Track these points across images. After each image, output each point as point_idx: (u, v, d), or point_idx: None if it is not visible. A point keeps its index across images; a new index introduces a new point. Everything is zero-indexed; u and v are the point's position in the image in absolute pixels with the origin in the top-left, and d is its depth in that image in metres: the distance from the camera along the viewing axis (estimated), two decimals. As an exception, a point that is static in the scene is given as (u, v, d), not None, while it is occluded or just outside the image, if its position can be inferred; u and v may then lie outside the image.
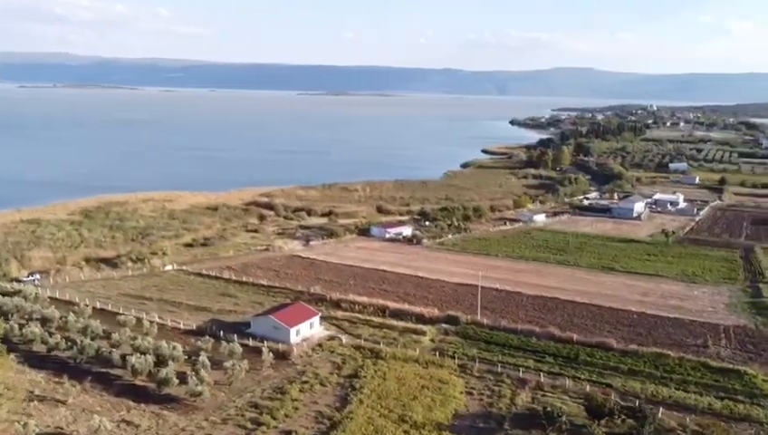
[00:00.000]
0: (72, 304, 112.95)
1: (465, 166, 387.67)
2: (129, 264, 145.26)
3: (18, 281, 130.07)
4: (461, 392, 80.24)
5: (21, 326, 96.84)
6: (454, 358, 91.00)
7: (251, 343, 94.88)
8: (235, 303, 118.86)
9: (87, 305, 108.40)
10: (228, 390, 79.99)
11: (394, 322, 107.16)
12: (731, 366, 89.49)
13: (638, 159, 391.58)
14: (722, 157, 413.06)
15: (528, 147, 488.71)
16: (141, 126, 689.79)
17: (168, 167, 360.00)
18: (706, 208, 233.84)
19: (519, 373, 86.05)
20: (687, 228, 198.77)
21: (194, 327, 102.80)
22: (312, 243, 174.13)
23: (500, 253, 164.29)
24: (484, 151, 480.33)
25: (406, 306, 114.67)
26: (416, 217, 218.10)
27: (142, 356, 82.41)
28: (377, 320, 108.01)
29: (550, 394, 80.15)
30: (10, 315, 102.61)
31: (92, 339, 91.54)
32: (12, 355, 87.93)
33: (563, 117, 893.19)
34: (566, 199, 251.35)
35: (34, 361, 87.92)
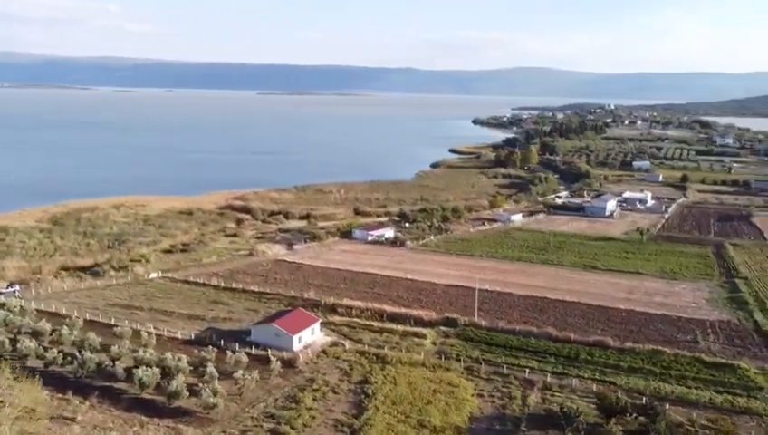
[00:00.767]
0: (60, 316, 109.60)
1: (435, 166, 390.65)
2: (113, 272, 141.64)
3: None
4: (472, 395, 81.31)
5: (12, 341, 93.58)
6: (459, 361, 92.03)
7: (254, 351, 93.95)
8: (228, 310, 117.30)
9: (78, 317, 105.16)
10: (240, 400, 79.09)
11: (393, 326, 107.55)
12: (724, 361, 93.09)
13: (602, 157, 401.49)
14: (680, 155, 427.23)
15: (494, 146, 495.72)
16: (97, 128, 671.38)
17: (131, 170, 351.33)
18: (674, 206, 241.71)
19: (525, 374, 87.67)
20: (659, 226, 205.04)
21: (192, 337, 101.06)
22: (295, 247, 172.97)
23: (484, 253, 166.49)
24: (452, 151, 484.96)
25: (403, 310, 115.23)
26: (395, 218, 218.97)
27: (149, 369, 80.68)
28: (376, 324, 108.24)
29: (558, 394, 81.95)
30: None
31: (90, 352, 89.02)
32: (7, 370, 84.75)
33: (525, 116, 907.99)
34: (539, 199, 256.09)
35: (32, 376, 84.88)
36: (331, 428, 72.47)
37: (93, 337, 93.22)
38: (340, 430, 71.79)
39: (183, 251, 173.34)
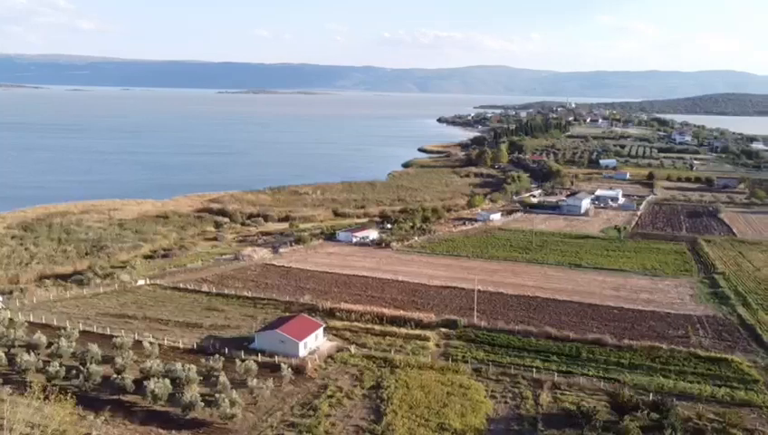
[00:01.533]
0: (52, 328, 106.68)
1: (406, 166, 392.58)
2: (98, 280, 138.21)
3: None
4: (485, 397, 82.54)
5: (6, 354, 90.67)
6: (467, 362, 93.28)
7: (260, 358, 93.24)
8: (225, 317, 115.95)
9: (73, 329, 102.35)
10: (255, 409, 78.48)
11: (395, 329, 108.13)
12: (718, 355, 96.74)
13: (569, 155, 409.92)
14: (643, 152, 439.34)
15: (463, 145, 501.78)
16: (53, 129, 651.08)
17: (94, 173, 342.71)
18: (644, 203, 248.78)
19: (532, 374, 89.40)
20: (633, 223, 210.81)
21: (194, 346, 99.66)
22: (280, 250, 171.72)
23: (470, 254, 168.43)
24: (421, 150, 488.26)
25: (401, 312, 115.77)
26: (376, 219, 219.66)
27: (160, 380, 79.32)
28: (377, 328, 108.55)
29: (568, 393, 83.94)
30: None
31: (94, 365, 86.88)
32: (7, 387, 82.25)
33: (489, 115, 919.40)
34: (515, 198, 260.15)
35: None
36: (352, 434, 72.67)
37: (95, 349, 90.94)
38: (363, 436, 72.07)
39: (164, 256, 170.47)
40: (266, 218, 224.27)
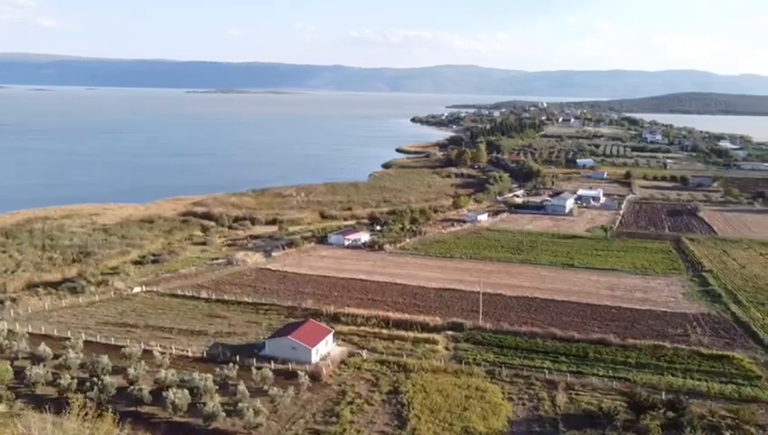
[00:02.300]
0: (52, 338, 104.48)
1: (386, 166, 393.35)
2: (92, 288, 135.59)
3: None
4: (502, 399, 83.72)
5: (13, 367, 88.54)
6: (479, 365, 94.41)
7: (272, 365, 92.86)
8: (228, 324, 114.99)
9: (77, 339, 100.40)
10: (277, 418, 78.22)
11: (402, 332, 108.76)
12: (720, 353, 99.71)
13: (546, 155, 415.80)
14: (617, 152, 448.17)
15: (440, 145, 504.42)
16: (18, 131, 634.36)
17: (67, 176, 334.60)
18: (625, 203, 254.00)
19: (545, 375, 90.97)
20: (617, 222, 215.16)
21: (204, 354, 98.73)
22: (273, 254, 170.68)
23: (463, 255, 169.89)
24: (399, 150, 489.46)
25: (407, 316, 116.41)
26: (364, 221, 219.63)
27: (179, 391, 78.48)
28: (385, 332, 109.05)
29: (582, 393, 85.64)
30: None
31: (107, 376, 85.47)
32: (18, 401, 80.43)
33: (463, 114, 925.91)
34: (499, 198, 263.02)
35: (47, 406, 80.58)
36: (379, 440, 73.08)
37: (105, 360, 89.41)
38: (390, 442, 72.48)
39: (154, 262, 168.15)
40: (253, 221, 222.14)
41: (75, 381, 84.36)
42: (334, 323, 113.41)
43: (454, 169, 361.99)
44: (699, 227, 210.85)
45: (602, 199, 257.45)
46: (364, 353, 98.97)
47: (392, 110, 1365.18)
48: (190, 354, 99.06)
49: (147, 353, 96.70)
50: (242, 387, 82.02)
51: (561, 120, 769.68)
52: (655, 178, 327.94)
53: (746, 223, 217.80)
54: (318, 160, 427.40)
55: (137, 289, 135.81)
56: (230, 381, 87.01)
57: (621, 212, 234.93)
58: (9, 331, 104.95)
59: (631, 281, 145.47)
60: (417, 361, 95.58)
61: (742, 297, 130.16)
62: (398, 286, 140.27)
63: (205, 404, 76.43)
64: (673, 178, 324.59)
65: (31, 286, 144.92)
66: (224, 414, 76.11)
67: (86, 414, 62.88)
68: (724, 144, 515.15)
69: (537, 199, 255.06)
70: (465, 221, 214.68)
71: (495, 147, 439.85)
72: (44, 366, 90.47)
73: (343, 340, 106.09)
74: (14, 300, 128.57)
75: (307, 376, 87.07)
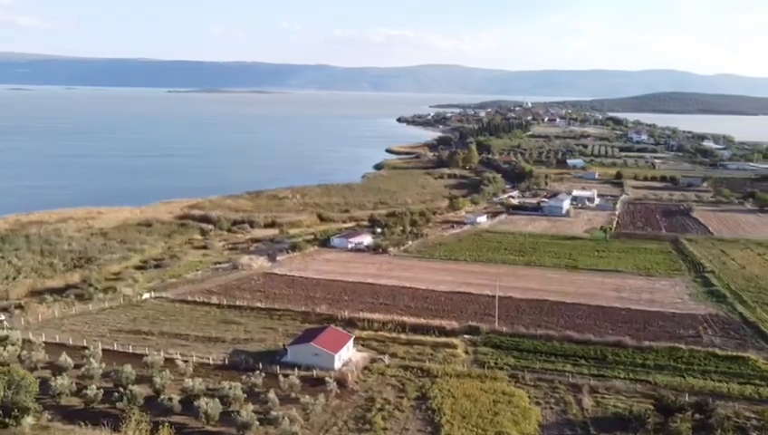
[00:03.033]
0: (67, 347, 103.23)
1: (378, 167, 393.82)
2: (101, 295, 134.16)
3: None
4: (530, 403, 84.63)
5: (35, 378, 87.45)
6: (501, 369, 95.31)
7: (296, 372, 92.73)
8: (244, 330, 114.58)
9: (96, 348, 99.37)
10: (309, 426, 78.29)
11: (421, 337, 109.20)
12: (735, 354, 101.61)
13: (536, 155, 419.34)
14: (605, 152, 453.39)
15: (430, 146, 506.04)
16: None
17: (54, 178, 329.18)
18: (619, 203, 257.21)
19: (568, 379, 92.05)
20: (614, 223, 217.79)
21: (225, 361, 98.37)
22: (278, 258, 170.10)
23: (467, 258, 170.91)
24: (389, 151, 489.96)
25: (423, 320, 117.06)
26: (363, 223, 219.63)
27: (210, 400, 78.23)
28: (403, 337, 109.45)
29: (607, 396, 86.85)
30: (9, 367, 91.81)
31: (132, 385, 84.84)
32: (46, 413, 79.50)
33: (449, 114, 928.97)
34: (495, 199, 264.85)
35: (74, 417, 79.92)
36: (415, 447, 73.50)
37: (129, 369, 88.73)
38: (427, 448, 72.95)
39: (157, 267, 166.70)
40: (252, 225, 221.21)
41: (101, 391, 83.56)
42: (350, 328, 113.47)
43: (446, 170, 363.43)
44: (695, 227, 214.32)
45: (597, 200, 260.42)
46: (386, 359, 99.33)
47: (377, 109, 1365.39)
48: (211, 362, 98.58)
49: (168, 362, 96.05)
50: (272, 395, 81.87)
51: (546, 120, 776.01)
52: (645, 179, 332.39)
53: (740, 223, 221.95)
54: (308, 162, 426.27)
55: (146, 295, 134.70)
56: (256, 389, 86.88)
57: (617, 213, 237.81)
58: (25, 340, 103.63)
59: (636, 282, 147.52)
60: (440, 366, 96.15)
61: (747, 298, 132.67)
62: (408, 290, 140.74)
63: (238, 413, 76.16)
64: (663, 179, 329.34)
65: (34, 293, 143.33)
66: (257, 423, 75.98)
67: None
68: (708, 144, 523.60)
69: (533, 201, 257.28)
70: (464, 223, 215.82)
71: (485, 147, 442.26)
72: (66, 376, 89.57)
73: (363, 345, 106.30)
74: (20, 307, 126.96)
75: (335, 383, 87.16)
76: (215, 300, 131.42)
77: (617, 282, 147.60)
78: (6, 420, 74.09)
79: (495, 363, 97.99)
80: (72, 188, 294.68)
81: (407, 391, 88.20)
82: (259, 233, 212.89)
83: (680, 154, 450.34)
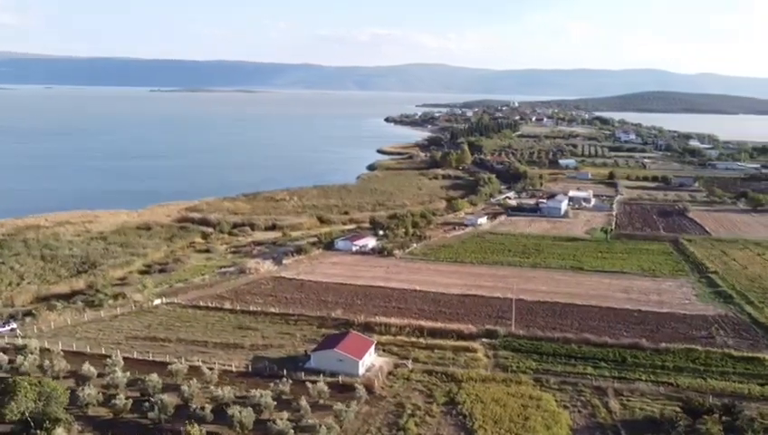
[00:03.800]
0: (85, 355, 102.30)
1: (371, 168, 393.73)
2: (111, 301, 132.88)
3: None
4: (557, 407, 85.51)
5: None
6: (524, 373, 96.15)
7: (322, 379, 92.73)
8: (262, 336, 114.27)
9: (118, 356, 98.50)
10: (343, 432, 78.42)
11: (440, 341, 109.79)
12: (750, 354, 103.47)
13: (527, 155, 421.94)
14: (595, 152, 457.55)
15: (421, 146, 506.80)
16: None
17: (42, 181, 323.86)
18: (615, 204, 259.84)
19: (591, 382, 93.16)
20: (613, 224, 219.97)
21: (249, 368, 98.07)
22: (284, 261, 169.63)
23: (473, 260, 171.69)
24: (380, 151, 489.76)
25: (440, 324, 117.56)
26: (365, 226, 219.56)
27: (244, 408, 78.05)
28: (422, 341, 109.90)
29: (632, 399, 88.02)
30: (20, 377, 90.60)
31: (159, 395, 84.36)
32: (76, 425, 78.75)
33: (436, 114, 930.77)
34: (492, 200, 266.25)
35: (104, 428, 79.33)
36: (452, 453, 73.99)
37: (156, 378, 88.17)
38: (465, 455, 73.47)
39: (162, 271, 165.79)
40: (253, 227, 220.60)
41: (130, 401, 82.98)
42: (368, 333, 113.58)
43: (440, 171, 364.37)
44: (692, 227, 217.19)
45: (593, 201, 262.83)
46: (410, 364, 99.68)
47: (364, 109, 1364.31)
48: (234, 369, 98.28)
49: (192, 370, 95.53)
50: (304, 402, 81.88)
51: (534, 119, 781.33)
52: (637, 179, 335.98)
53: (735, 223, 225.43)
54: (301, 162, 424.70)
55: (157, 301, 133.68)
56: (284, 396, 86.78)
57: (614, 213, 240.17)
58: (44, 349, 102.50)
59: (642, 283, 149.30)
60: (464, 370, 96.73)
61: (753, 298, 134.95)
62: (419, 293, 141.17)
63: (273, 422, 76.12)
64: (655, 179, 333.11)
65: (39, 300, 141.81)
66: (292, 432, 75.94)
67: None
68: (695, 143, 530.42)
69: (531, 202, 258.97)
70: (465, 225, 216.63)
71: (477, 148, 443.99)
72: (91, 386, 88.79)
73: (383, 350, 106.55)
74: (28, 315, 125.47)
75: (364, 389, 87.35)
76: (227, 305, 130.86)
77: (623, 283, 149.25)
78: (38, 431, 73.39)
79: (518, 367, 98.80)
80: (59, 192, 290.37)
81: (435, 396, 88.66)
82: (260, 236, 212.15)
83: (668, 154, 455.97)
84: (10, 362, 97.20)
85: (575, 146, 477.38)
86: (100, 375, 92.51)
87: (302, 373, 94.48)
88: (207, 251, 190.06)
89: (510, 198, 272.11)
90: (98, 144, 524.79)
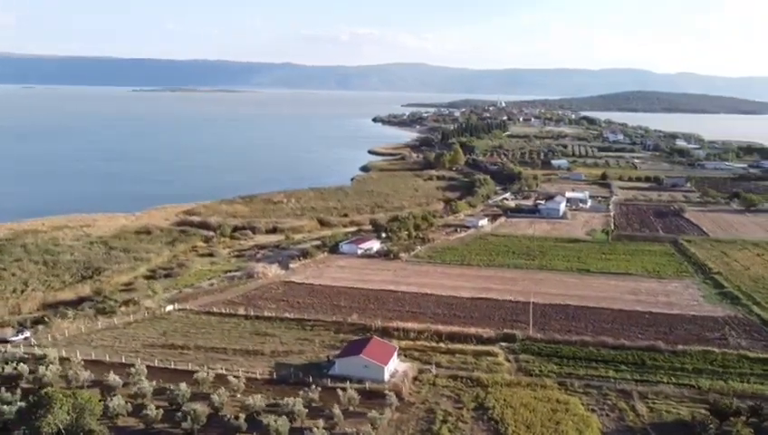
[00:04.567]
0: (104, 364, 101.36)
1: (365, 169, 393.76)
2: (123, 308, 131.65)
3: (4, 341, 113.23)
4: (585, 411, 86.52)
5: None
6: (548, 377, 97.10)
7: (348, 385, 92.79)
8: (281, 342, 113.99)
9: (141, 365, 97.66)
10: (378, 441, 78.72)
11: (459, 345, 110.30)
12: (765, 356, 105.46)
13: (519, 156, 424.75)
14: (585, 152, 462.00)
15: (412, 147, 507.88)
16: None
17: (26, 184, 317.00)
18: (611, 205, 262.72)
19: (615, 385, 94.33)
20: (612, 225, 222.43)
21: (273, 375, 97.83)
22: (291, 265, 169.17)
23: (479, 262, 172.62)
24: (372, 152, 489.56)
25: (457, 328, 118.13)
26: (366, 228, 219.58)
27: (279, 417, 77.95)
28: (442, 346, 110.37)
29: (658, 402, 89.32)
30: (51, 388, 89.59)
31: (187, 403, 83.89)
32: (108, 436, 78.06)
33: (424, 114, 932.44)
34: (489, 202, 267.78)
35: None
36: (491, 460, 74.56)
37: (184, 387, 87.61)
38: (504, 461, 74.05)
39: (167, 276, 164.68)
40: (254, 230, 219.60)
41: (161, 411, 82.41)
42: (386, 338, 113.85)
43: (434, 172, 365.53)
44: (689, 228, 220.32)
45: (590, 202, 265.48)
46: (434, 369, 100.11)
47: (349, 109, 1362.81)
48: (258, 376, 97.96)
49: (217, 378, 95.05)
50: (337, 410, 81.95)
51: (522, 119, 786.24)
52: (630, 179, 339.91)
53: (731, 223, 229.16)
54: (294, 164, 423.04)
55: (169, 308, 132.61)
56: (314, 404, 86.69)
57: (611, 214, 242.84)
58: (62, 358, 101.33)
59: (649, 285, 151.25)
60: (489, 375, 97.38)
61: (760, 299, 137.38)
62: (431, 297, 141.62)
63: (310, 430, 76.12)
64: (647, 179, 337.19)
65: (46, 307, 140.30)
66: (329, 440, 76.06)
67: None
68: (681, 143, 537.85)
69: (529, 203, 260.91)
70: (467, 227, 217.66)
71: (469, 148, 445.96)
72: (119, 395, 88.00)
73: (405, 355, 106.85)
74: (38, 323, 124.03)
75: (395, 395, 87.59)
76: (241, 311, 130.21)
77: (630, 285, 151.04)
78: (73, 444, 72.70)
79: (541, 371, 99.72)
80: (54, 195, 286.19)
81: (463, 401, 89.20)
82: (262, 239, 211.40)
83: (657, 154, 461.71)
84: (31, 372, 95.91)
85: (565, 146, 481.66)
86: (125, 385, 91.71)
87: (328, 380, 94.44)
88: (211, 255, 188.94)
89: (507, 200, 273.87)
90: (85, 144, 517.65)
